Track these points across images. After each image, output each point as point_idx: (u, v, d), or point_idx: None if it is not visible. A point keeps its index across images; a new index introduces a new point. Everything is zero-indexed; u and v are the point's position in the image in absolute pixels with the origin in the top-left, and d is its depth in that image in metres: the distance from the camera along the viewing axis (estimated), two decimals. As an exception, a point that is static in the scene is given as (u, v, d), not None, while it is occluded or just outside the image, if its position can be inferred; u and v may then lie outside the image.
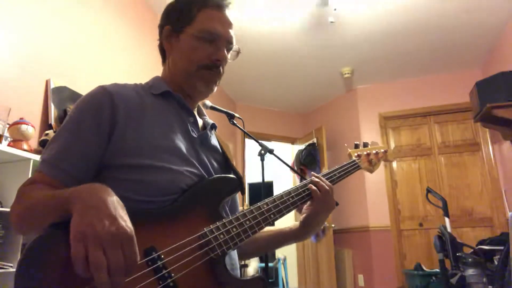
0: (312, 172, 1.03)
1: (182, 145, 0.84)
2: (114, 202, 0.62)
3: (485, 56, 4.06)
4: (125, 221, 0.60)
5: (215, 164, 0.93)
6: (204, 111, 1.06)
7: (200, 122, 0.98)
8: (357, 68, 4.35)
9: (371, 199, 4.42)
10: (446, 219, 2.85)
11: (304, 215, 0.98)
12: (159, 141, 0.80)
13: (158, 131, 0.82)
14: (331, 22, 3.29)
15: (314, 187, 0.96)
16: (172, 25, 0.93)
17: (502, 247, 2.33)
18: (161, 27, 0.96)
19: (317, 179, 0.99)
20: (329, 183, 0.99)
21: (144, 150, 0.78)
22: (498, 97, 2.92)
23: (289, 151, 5.56)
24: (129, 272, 0.57)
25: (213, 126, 0.99)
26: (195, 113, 0.98)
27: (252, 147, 4.82)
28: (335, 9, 3.16)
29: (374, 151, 1.24)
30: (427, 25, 3.52)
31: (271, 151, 1.36)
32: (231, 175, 0.90)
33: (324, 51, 3.99)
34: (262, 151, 1.49)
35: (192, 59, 0.90)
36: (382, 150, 1.25)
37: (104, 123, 0.78)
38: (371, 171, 1.24)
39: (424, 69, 4.40)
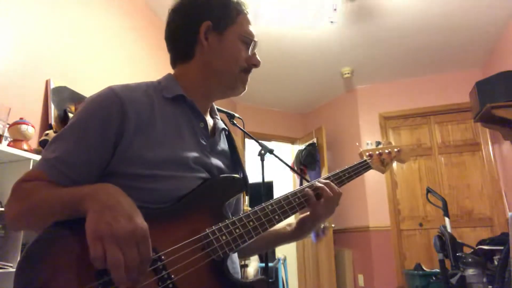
0: (326, 178, 0.98)
1: (191, 154, 0.83)
2: (129, 202, 0.64)
3: (485, 56, 4.06)
4: (140, 219, 0.62)
5: (224, 168, 0.92)
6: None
7: (210, 123, 0.96)
8: (357, 68, 4.35)
9: (371, 199, 4.42)
10: (446, 219, 2.85)
11: (301, 218, 0.96)
12: (168, 152, 0.79)
13: (168, 141, 0.81)
14: (332, 22, 3.28)
15: (311, 192, 0.92)
16: (213, 21, 0.89)
17: (502, 247, 2.33)
18: (195, 20, 0.90)
19: (321, 184, 0.94)
20: (337, 189, 0.95)
21: (152, 161, 0.77)
22: (498, 97, 2.91)
23: (289, 151, 5.56)
24: (143, 269, 0.60)
25: (224, 130, 0.98)
26: (207, 115, 0.97)
27: (252, 147, 4.82)
28: (335, 9, 3.16)
29: (386, 151, 1.20)
30: (427, 25, 3.52)
31: (271, 151, 1.36)
32: (235, 175, 0.89)
33: (324, 51, 3.99)
34: (262, 151, 1.49)
35: (237, 60, 0.90)
36: (396, 150, 1.21)
37: (111, 134, 0.76)
38: (382, 171, 1.20)
39: (424, 69, 4.39)
